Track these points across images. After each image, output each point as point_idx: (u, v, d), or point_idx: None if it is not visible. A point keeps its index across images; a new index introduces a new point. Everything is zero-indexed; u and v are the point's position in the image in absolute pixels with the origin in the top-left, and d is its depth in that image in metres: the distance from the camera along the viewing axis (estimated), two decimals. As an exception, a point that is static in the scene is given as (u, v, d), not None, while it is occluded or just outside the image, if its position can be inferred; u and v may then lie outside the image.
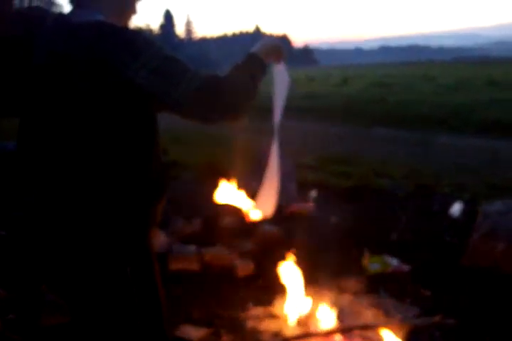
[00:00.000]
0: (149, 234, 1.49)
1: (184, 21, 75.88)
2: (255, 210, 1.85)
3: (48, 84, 1.33)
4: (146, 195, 1.42)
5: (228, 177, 4.03)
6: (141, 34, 1.35)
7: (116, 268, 1.40)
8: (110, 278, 1.39)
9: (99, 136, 1.33)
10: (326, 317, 2.56)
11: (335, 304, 2.68)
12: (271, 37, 1.67)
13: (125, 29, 1.35)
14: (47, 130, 1.36)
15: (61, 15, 1.42)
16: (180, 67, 1.33)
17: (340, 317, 2.58)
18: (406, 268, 3.20)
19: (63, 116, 1.33)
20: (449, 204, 4.30)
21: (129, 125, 1.35)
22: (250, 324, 2.60)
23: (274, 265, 2.89)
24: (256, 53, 1.54)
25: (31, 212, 1.41)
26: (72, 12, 1.42)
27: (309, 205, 4.34)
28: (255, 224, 2.30)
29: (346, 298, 2.82)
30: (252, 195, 4.42)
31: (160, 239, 3.27)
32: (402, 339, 2.39)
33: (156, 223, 1.51)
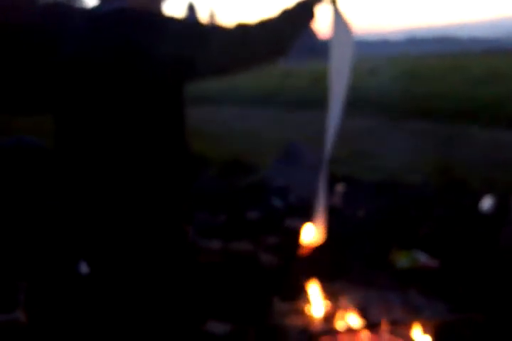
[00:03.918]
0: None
1: (208, 14, 76.18)
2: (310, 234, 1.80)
3: (79, 77, 1.32)
4: (183, 177, 1.43)
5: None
6: (163, 14, 1.35)
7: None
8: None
9: (136, 125, 1.32)
10: (353, 312, 2.53)
11: (362, 299, 2.64)
12: None
13: (147, 12, 1.33)
14: (84, 124, 1.35)
15: (87, 8, 1.43)
16: (205, 30, 1.33)
17: (368, 312, 2.55)
18: (435, 263, 3.13)
19: (96, 108, 1.32)
20: (480, 198, 4.21)
21: (161, 112, 1.33)
22: (276, 320, 2.57)
23: (300, 260, 2.86)
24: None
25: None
26: (97, 5, 1.41)
27: (337, 199, 4.28)
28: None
29: (374, 294, 2.78)
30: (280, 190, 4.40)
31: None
32: (431, 335, 2.34)
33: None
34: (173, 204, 1.40)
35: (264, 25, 1.39)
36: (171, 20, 1.33)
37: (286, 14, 1.43)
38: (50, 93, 1.42)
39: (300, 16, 1.46)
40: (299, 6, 1.46)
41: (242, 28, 1.36)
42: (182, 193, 1.42)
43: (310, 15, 1.47)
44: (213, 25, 1.37)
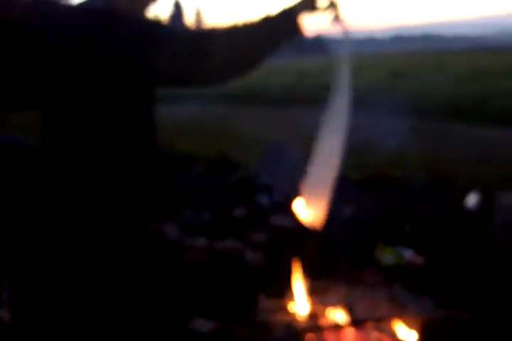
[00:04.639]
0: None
1: (193, 12, 76.30)
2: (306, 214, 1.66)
3: (54, 73, 1.31)
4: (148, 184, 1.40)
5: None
6: (118, 12, 1.31)
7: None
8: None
9: (103, 122, 1.30)
10: (339, 309, 2.53)
11: (348, 296, 2.64)
12: None
13: (103, 10, 1.31)
14: (68, 121, 1.34)
15: (69, 4, 1.40)
16: (162, 31, 1.28)
17: (354, 309, 2.55)
18: (421, 260, 3.15)
19: (65, 104, 1.31)
20: (465, 195, 4.24)
21: (127, 110, 1.31)
22: (261, 317, 2.57)
23: (286, 257, 2.86)
24: (289, 9, 1.30)
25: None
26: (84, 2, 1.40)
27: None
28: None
29: (360, 290, 2.78)
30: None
31: (170, 230, 3.25)
32: (417, 331, 2.35)
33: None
34: (137, 202, 1.39)
35: (237, 34, 1.27)
36: (135, 21, 1.30)
37: (266, 24, 1.29)
38: (24, 88, 1.41)
39: (281, 28, 1.30)
40: (282, 14, 1.31)
41: (208, 35, 1.27)
42: (147, 191, 1.40)
43: (293, 27, 1.31)
44: (182, 30, 1.30)
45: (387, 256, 3.14)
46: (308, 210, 1.62)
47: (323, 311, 2.56)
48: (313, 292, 2.65)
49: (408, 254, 3.17)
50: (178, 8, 59.73)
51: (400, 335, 2.33)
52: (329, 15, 1.40)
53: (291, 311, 2.60)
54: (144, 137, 1.37)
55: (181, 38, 1.27)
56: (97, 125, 1.30)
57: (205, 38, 1.27)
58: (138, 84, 1.29)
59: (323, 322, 2.49)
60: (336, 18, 1.42)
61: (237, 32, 1.28)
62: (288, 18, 1.31)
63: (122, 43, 1.24)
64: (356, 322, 2.42)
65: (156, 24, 1.31)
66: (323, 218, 1.62)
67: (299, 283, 2.70)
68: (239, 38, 1.27)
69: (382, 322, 2.42)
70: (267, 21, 1.30)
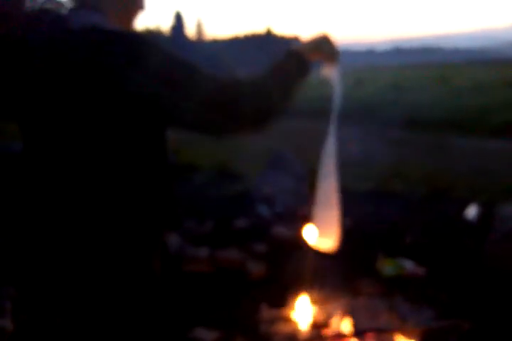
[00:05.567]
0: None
1: (194, 23, 76.39)
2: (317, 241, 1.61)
3: (46, 90, 1.25)
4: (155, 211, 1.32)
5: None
6: (143, 38, 1.21)
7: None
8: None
9: (103, 150, 1.20)
10: (340, 320, 2.54)
11: (349, 306, 2.65)
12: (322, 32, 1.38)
13: (125, 35, 1.21)
14: (51, 136, 1.26)
15: (58, 17, 1.33)
16: (190, 71, 1.18)
17: (355, 320, 2.56)
18: (421, 271, 3.16)
19: (64, 123, 1.23)
20: (465, 207, 4.25)
21: (134, 137, 1.22)
22: (263, 327, 2.57)
23: (287, 267, 2.87)
24: (296, 51, 1.33)
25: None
26: (70, 13, 1.31)
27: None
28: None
29: (361, 301, 2.79)
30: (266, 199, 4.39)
31: (173, 240, 3.26)
32: (417, 342, 2.36)
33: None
34: (144, 219, 1.31)
35: (259, 84, 1.23)
36: (155, 50, 1.18)
37: (280, 70, 1.28)
38: (15, 102, 1.35)
39: (295, 73, 1.29)
40: (293, 60, 1.30)
41: (234, 84, 1.21)
42: (157, 205, 1.33)
43: (306, 70, 1.32)
44: (207, 73, 1.19)
45: (388, 267, 3.15)
46: (321, 236, 1.60)
47: (325, 321, 2.57)
48: (315, 302, 2.66)
49: (409, 266, 3.18)
50: (179, 19, 59.96)
51: (400, 346, 2.35)
52: (328, 61, 1.46)
53: (293, 321, 2.61)
54: (155, 155, 1.29)
55: (209, 83, 1.18)
56: (96, 146, 1.21)
57: (231, 87, 1.21)
58: (152, 118, 1.20)
59: (324, 332, 2.50)
60: (333, 66, 1.47)
61: (258, 81, 1.26)
62: (300, 62, 1.32)
63: (147, 78, 1.14)
64: (357, 333, 2.43)
65: (188, 62, 1.19)
66: (337, 242, 1.60)
67: (300, 293, 2.71)
68: (260, 87, 1.24)
69: (383, 333, 2.43)
70: (281, 68, 1.29)
